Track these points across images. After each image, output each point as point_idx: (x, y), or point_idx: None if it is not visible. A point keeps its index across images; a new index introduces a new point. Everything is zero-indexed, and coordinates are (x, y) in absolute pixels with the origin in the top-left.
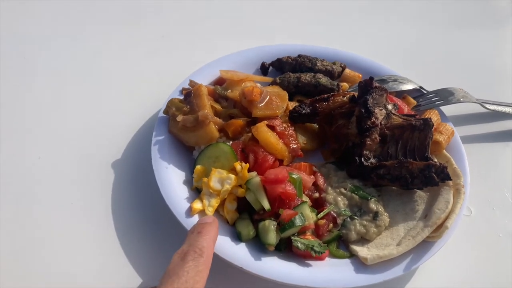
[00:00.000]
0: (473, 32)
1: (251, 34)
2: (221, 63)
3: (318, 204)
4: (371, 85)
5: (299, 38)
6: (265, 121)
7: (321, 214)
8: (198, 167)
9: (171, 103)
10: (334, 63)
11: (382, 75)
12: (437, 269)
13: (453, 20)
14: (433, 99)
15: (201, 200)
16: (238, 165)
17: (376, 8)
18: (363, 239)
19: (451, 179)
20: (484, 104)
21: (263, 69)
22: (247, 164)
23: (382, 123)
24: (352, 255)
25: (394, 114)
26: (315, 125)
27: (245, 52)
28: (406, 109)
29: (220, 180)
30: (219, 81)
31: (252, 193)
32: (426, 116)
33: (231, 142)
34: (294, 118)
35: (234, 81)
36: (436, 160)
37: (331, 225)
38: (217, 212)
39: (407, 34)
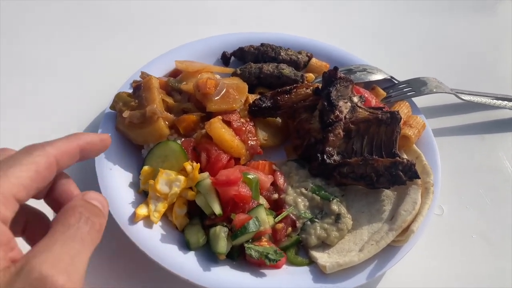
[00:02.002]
0: (448, 18)
1: (213, 21)
2: (178, 53)
3: (277, 206)
4: (335, 76)
5: (264, 26)
6: (220, 116)
7: (279, 217)
8: (145, 168)
9: (118, 97)
10: (299, 52)
11: (350, 65)
12: (405, 274)
13: (427, 6)
14: (404, 90)
15: (147, 205)
16: (188, 165)
17: None
18: (324, 244)
19: (419, 178)
20: (459, 95)
21: (224, 59)
22: (198, 164)
23: (347, 117)
24: (312, 262)
25: (360, 107)
26: (278, 120)
27: (205, 41)
28: (374, 101)
29: (168, 182)
30: (175, 73)
31: (203, 196)
32: (396, 108)
33: (182, 139)
34: (254, 112)
35: (189, 72)
36: (405, 156)
37: (289, 229)
38: (165, 217)
39: (379, 21)
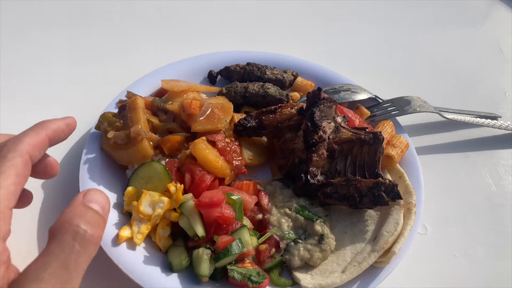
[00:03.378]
0: (432, 36)
1: (199, 38)
2: (165, 72)
3: (261, 227)
4: (319, 97)
5: (251, 44)
6: (204, 137)
7: (263, 238)
8: (129, 189)
9: (103, 117)
10: (285, 71)
11: (334, 84)
12: None
13: (410, 27)
14: (388, 109)
15: (130, 226)
16: (172, 186)
17: (331, 14)
18: (308, 265)
19: (401, 198)
20: (442, 113)
21: (211, 78)
22: (182, 185)
23: (330, 137)
24: (295, 283)
25: (343, 127)
26: (264, 139)
27: (191, 60)
28: (358, 121)
29: (151, 203)
30: (161, 92)
31: (186, 217)
32: (380, 128)
33: (167, 160)
34: (239, 131)
35: (175, 92)
36: (388, 175)
37: (273, 250)
38: (148, 238)
39: (364, 40)
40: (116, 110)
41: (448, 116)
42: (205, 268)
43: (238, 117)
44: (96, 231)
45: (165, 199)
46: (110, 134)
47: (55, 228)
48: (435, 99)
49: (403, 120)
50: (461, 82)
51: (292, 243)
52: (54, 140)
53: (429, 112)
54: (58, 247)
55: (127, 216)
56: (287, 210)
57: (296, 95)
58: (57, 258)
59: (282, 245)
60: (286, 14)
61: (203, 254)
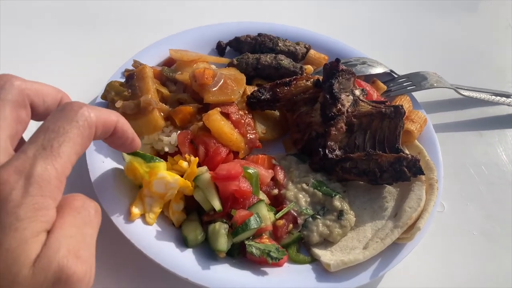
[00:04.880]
0: (448, 13)
1: (207, 10)
2: (172, 42)
3: (277, 202)
4: (337, 68)
5: (260, 15)
6: (219, 108)
7: (280, 214)
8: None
9: (110, 86)
10: (297, 44)
11: (350, 58)
12: (405, 272)
13: (428, 1)
14: (404, 84)
15: (142, 202)
16: (183, 162)
17: None
18: (327, 241)
19: (423, 173)
20: (459, 90)
21: (220, 49)
22: (197, 158)
23: (349, 110)
24: (314, 260)
25: (362, 101)
26: (276, 112)
27: (200, 30)
28: (375, 95)
29: (163, 183)
30: (169, 62)
31: (201, 191)
32: (397, 103)
33: (179, 132)
34: (252, 104)
35: (184, 62)
36: (407, 151)
37: (291, 225)
38: (161, 212)
39: (378, 14)
40: (122, 80)
41: (464, 93)
42: (223, 243)
43: (250, 89)
44: (94, 203)
45: (178, 178)
46: (119, 104)
47: (61, 201)
48: (448, 76)
49: (418, 96)
50: (477, 60)
51: (310, 219)
52: (118, 133)
53: (445, 88)
54: (72, 211)
55: (137, 187)
56: (304, 186)
57: (309, 68)
58: (76, 219)
59: (300, 221)
60: None
61: (221, 228)
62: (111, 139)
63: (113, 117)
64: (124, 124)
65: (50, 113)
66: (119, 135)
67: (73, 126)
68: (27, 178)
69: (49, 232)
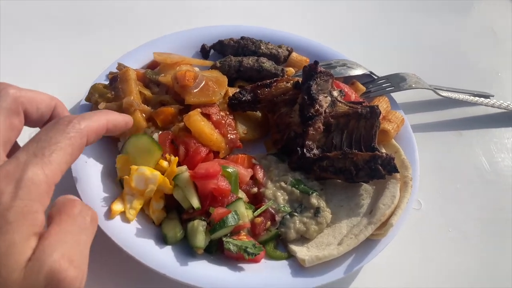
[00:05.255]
0: (428, 15)
1: (193, 13)
2: (156, 45)
3: (256, 200)
4: (315, 70)
5: (244, 19)
6: (199, 109)
7: (258, 211)
8: (120, 156)
9: (94, 89)
10: (280, 46)
11: (330, 60)
12: (382, 268)
13: (408, 2)
14: (383, 85)
15: (123, 200)
16: (164, 162)
17: None
18: (303, 238)
19: (398, 171)
20: (437, 91)
21: (204, 52)
22: (176, 157)
23: (327, 111)
24: (291, 256)
25: (339, 102)
26: (258, 113)
27: (184, 33)
28: (353, 96)
29: (143, 178)
30: (153, 65)
31: (181, 190)
32: (375, 103)
33: (160, 132)
34: (233, 105)
35: (167, 64)
36: (384, 150)
37: (268, 223)
38: (141, 211)
39: (359, 16)
40: (106, 82)
41: (442, 94)
42: (200, 239)
43: (231, 91)
44: (91, 211)
45: (157, 174)
46: (102, 106)
47: (58, 207)
48: (429, 78)
49: (397, 96)
50: (455, 62)
51: (288, 216)
52: (110, 131)
53: (424, 88)
54: (68, 217)
55: (119, 187)
56: (283, 184)
57: (291, 70)
58: (72, 226)
59: (277, 218)
60: None
61: (199, 225)
62: (107, 135)
63: (103, 121)
64: (114, 120)
65: (44, 120)
66: (113, 130)
67: (64, 137)
68: (18, 182)
69: (41, 236)
